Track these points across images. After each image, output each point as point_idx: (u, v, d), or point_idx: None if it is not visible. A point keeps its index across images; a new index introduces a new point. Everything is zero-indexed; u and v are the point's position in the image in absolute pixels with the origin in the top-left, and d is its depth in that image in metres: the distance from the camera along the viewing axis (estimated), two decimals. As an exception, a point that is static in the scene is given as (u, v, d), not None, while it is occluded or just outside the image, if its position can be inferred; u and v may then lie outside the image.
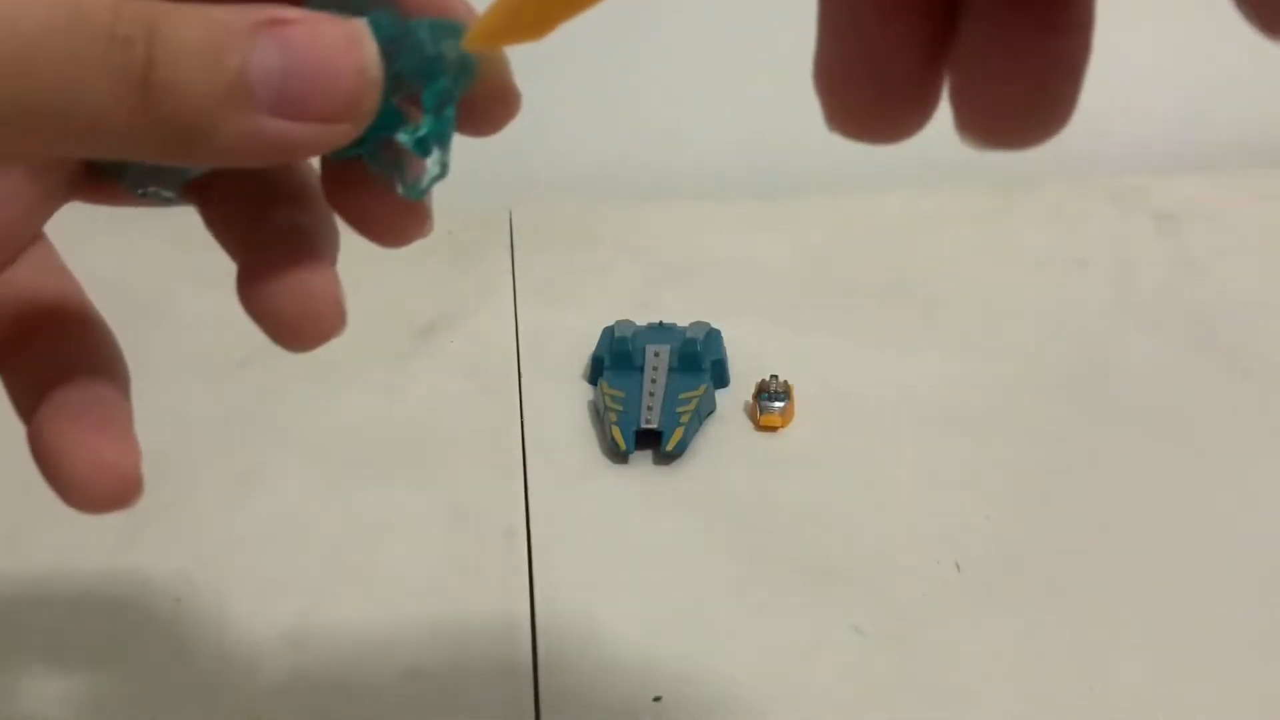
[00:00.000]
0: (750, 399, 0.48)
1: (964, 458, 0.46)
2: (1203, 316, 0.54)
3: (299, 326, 0.20)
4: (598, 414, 0.48)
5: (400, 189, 0.20)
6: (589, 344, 0.51)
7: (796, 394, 0.48)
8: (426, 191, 0.20)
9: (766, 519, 0.43)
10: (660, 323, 0.51)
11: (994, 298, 0.56)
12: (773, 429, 0.47)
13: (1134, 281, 0.57)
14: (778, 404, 0.47)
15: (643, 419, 0.46)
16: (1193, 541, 0.41)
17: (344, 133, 0.17)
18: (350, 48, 0.17)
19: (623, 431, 0.45)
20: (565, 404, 0.49)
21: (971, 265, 0.59)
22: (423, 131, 0.19)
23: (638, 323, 0.51)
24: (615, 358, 0.49)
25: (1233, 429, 0.47)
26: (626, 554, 0.41)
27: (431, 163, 0.19)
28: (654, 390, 0.47)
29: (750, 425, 0.48)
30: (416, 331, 0.54)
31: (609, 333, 0.50)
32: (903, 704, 0.36)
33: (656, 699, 0.36)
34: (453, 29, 0.19)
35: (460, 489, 0.44)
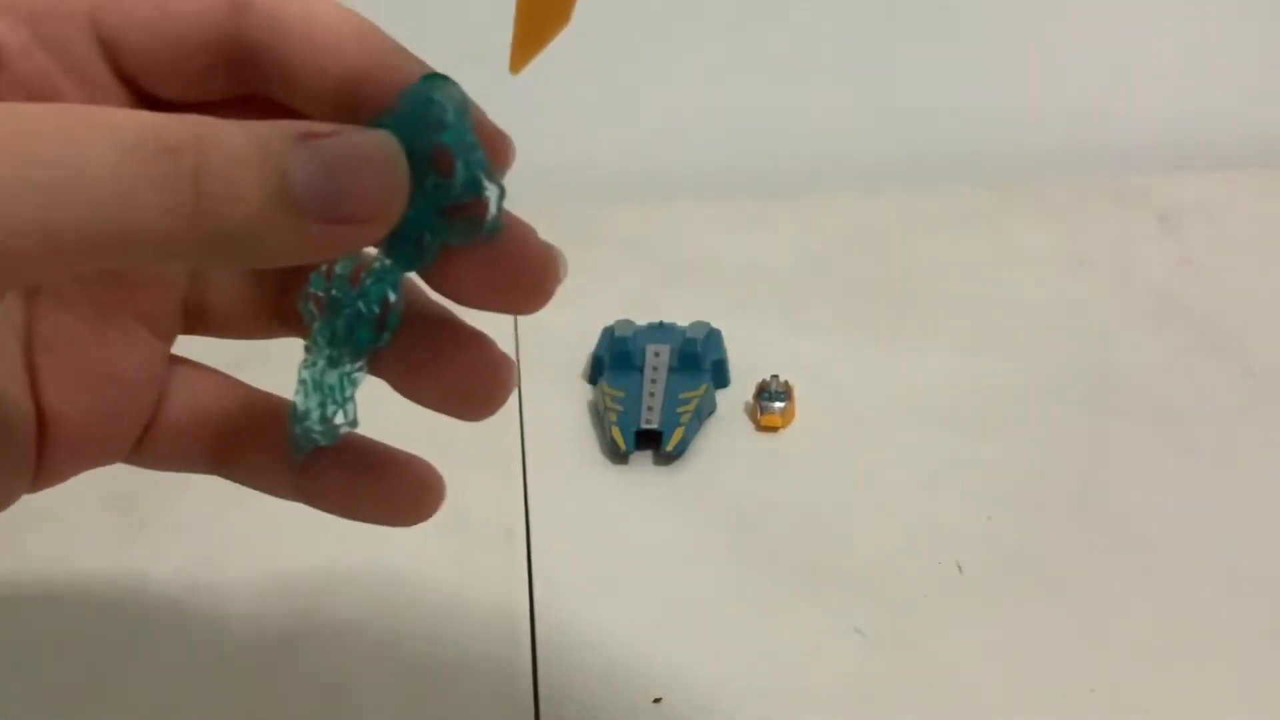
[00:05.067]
0: (750, 399, 0.48)
1: (964, 458, 0.46)
2: (1203, 316, 0.54)
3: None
4: (597, 414, 0.48)
5: (483, 234, 0.21)
6: (589, 344, 0.51)
7: (797, 394, 0.48)
8: (499, 213, 0.21)
9: (766, 519, 0.43)
10: (660, 323, 0.51)
11: (994, 298, 0.56)
12: (773, 429, 0.47)
13: (1135, 281, 0.57)
14: (778, 404, 0.47)
15: (643, 419, 0.45)
16: (1193, 541, 0.41)
17: (376, 231, 0.18)
18: (380, 156, 0.18)
19: (623, 432, 0.45)
20: (565, 404, 0.49)
21: (971, 265, 0.59)
22: (463, 178, 0.20)
23: (638, 323, 0.51)
24: (615, 358, 0.49)
25: (1233, 429, 0.47)
26: (626, 554, 0.41)
27: (491, 195, 0.20)
28: (654, 390, 0.47)
29: (751, 425, 0.47)
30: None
31: (609, 332, 0.50)
32: (903, 704, 0.36)
33: (656, 700, 0.36)
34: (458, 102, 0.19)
35: (459, 489, 0.44)
